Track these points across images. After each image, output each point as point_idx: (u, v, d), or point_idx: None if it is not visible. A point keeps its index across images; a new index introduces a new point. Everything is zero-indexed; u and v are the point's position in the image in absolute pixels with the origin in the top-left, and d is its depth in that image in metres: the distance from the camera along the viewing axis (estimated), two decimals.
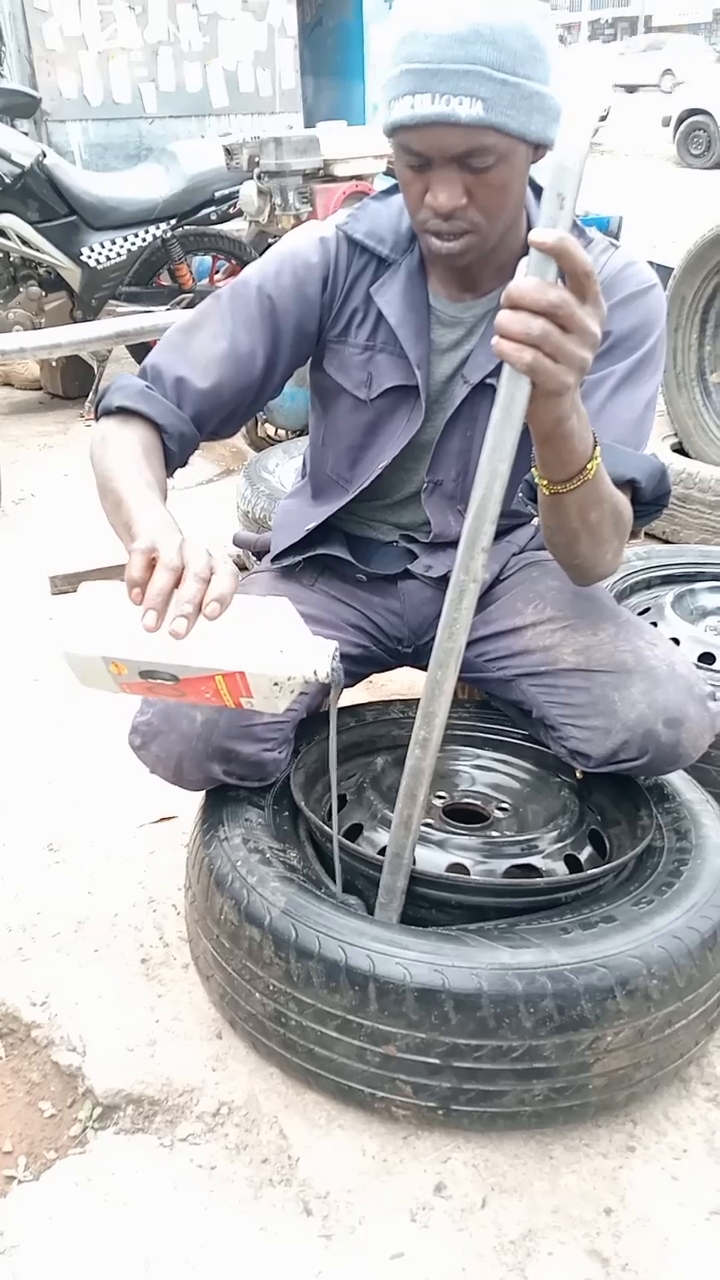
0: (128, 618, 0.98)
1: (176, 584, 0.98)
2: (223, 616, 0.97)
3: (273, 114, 6.73)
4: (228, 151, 3.26)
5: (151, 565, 1.00)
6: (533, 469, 1.17)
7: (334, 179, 3.13)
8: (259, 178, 3.09)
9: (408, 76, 1.13)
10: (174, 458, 1.33)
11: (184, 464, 1.39)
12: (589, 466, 1.12)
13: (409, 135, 1.17)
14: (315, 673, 1.02)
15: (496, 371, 1.33)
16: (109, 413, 1.31)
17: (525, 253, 0.95)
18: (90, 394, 4.11)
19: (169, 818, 1.77)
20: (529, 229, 1.33)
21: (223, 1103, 1.23)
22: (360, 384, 1.42)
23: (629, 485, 1.27)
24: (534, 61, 1.12)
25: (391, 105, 1.17)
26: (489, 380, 1.36)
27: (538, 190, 1.35)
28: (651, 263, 1.43)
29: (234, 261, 4.37)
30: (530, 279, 0.93)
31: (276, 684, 1.01)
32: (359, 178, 3.18)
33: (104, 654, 1.02)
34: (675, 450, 3.05)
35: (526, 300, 0.93)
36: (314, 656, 1.02)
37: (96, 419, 1.33)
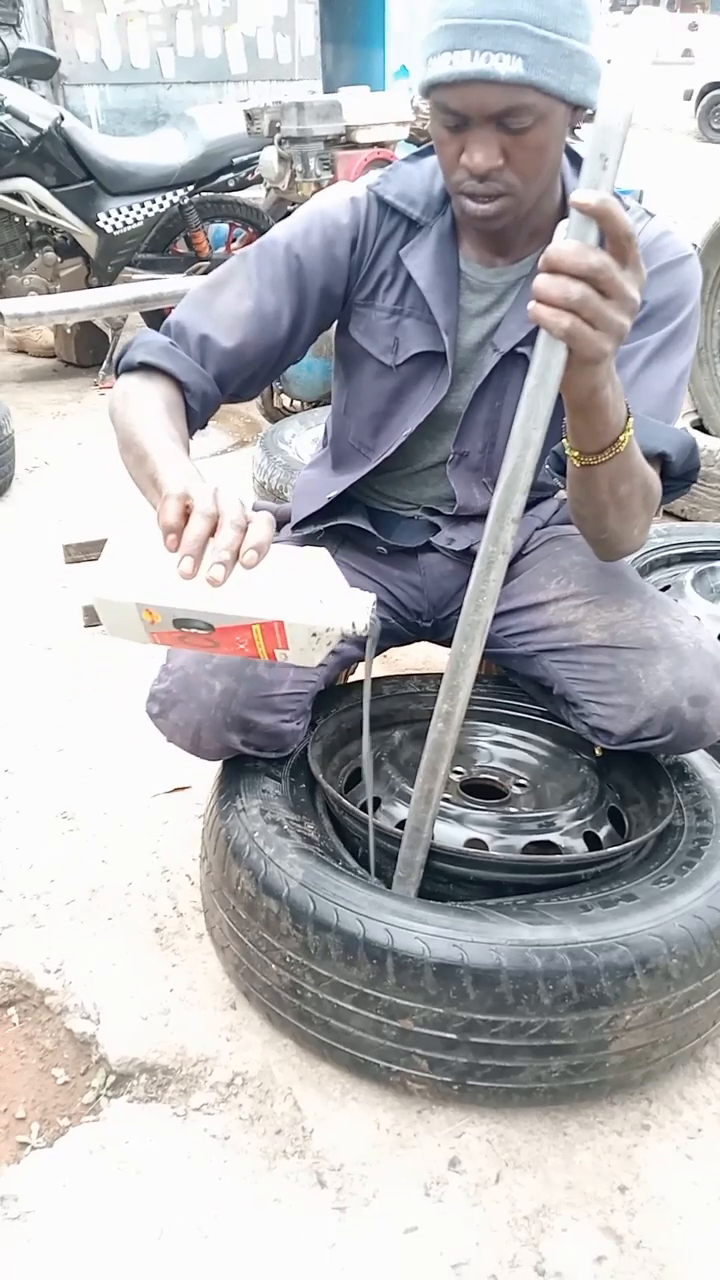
0: (163, 564, 0.96)
1: (212, 532, 0.96)
2: (260, 565, 0.95)
3: (292, 80, 6.65)
4: (249, 116, 3.21)
5: (186, 512, 0.97)
6: (563, 440, 1.15)
7: (356, 145, 3.09)
8: (280, 143, 3.05)
9: (447, 32, 1.10)
10: (195, 417, 1.31)
11: (203, 426, 1.36)
12: (622, 438, 1.10)
13: (446, 93, 1.14)
14: (354, 625, 1.00)
15: (527, 340, 1.31)
16: (130, 369, 1.28)
17: (559, 218, 0.92)
18: (105, 362, 4.08)
19: (183, 788, 1.76)
20: (564, 194, 1.30)
21: (237, 1073, 1.23)
22: (386, 349, 1.40)
23: (659, 459, 1.24)
24: (576, 18, 1.09)
25: (429, 62, 1.14)
26: (520, 349, 1.33)
27: (574, 157, 1.32)
28: None
29: (251, 229, 4.32)
30: (571, 242, 0.91)
31: (315, 635, 0.99)
32: (381, 144, 3.13)
33: (138, 600, 0.99)
34: (695, 427, 3.01)
35: (566, 264, 0.90)
36: (352, 608, 1.00)
37: (117, 375, 1.30)
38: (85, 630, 2.32)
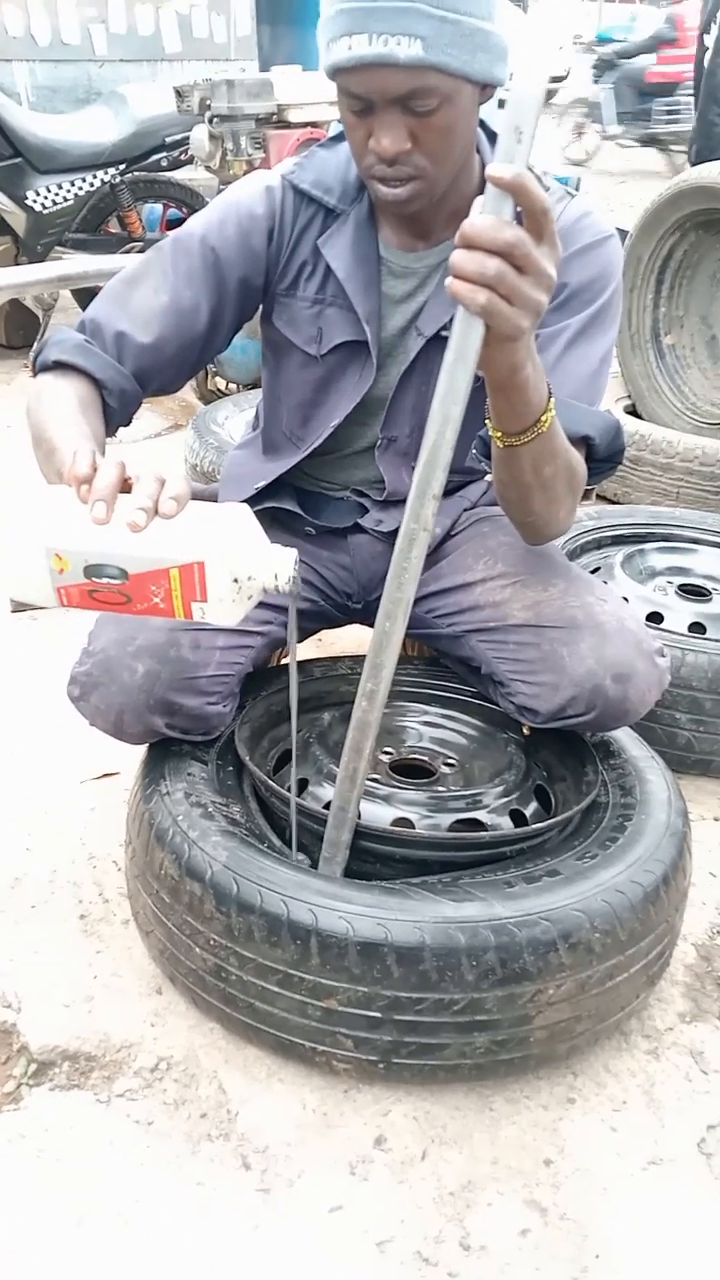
0: (75, 514, 0.93)
1: (125, 488, 0.94)
2: (179, 517, 0.93)
3: (227, 60, 6.57)
4: (178, 93, 3.16)
5: (95, 467, 0.95)
6: (486, 421, 1.15)
7: (288, 125, 3.05)
8: (210, 121, 3.00)
9: (344, 16, 1.09)
10: (115, 414, 1.29)
11: (126, 422, 1.34)
12: (543, 419, 1.10)
13: (348, 78, 1.12)
14: (277, 576, 0.98)
15: (451, 323, 1.30)
16: (46, 368, 1.26)
17: (478, 197, 0.92)
18: (35, 343, 4.00)
19: (111, 774, 1.74)
20: (483, 175, 1.29)
21: (161, 1058, 1.22)
22: (310, 339, 1.38)
23: (583, 442, 1.25)
24: None
25: (330, 48, 1.12)
26: (444, 332, 1.32)
27: (491, 136, 1.31)
28: None
29: (184, 209, 4.26)
30: (486, 217, 0.90)
31: (236, 581, 0.96)
32: (314, 124, 3.10)
33: (49, 544, 0.95)
34: (628, 412, 3.04)
35: (482, 239, 0.90)
36: (276, 560, 0.98)
37: (34, 375, 1.28)
38: (11, 616, 2.28)
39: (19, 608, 2.29)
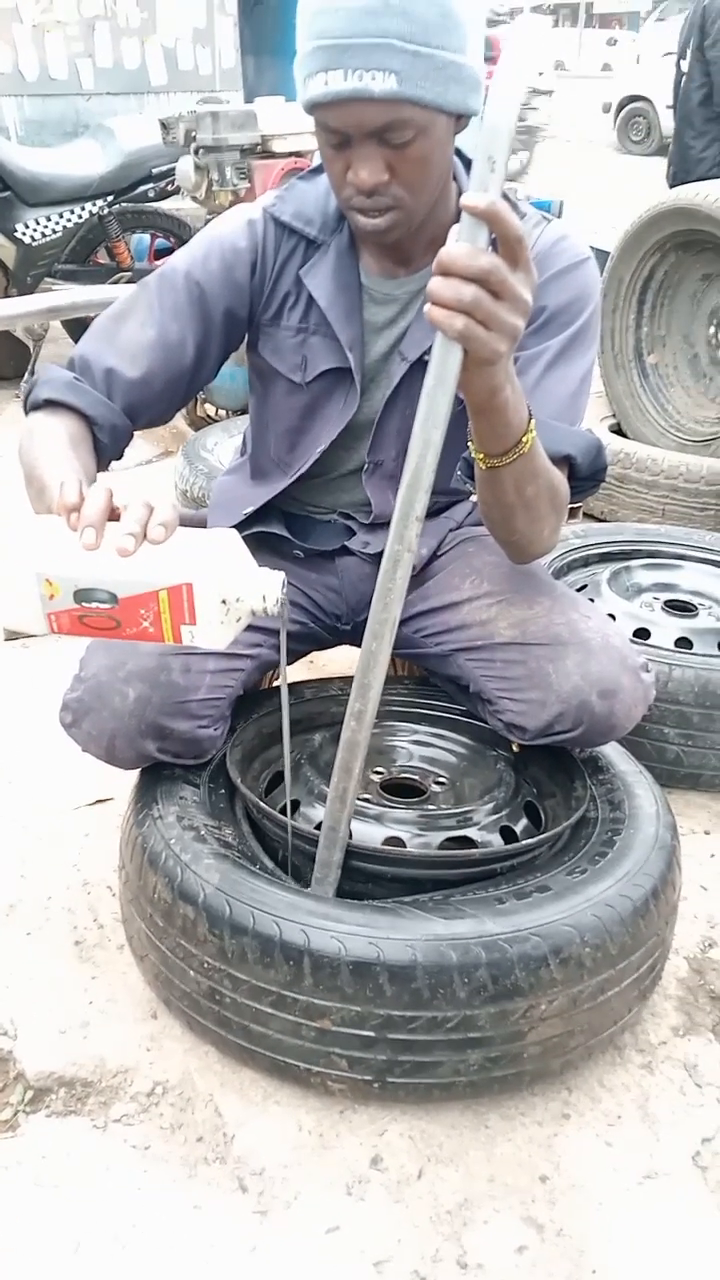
0: (65, 541, 0.95)
1: (113, 516, 0.96)
2: (168, 542, 0.95)
3: (213, 92, 6.64)
4: (164, 125, 3.20)
5: (83, 496, 0.97)
6: (469, 444, 1.17)
7: (272, 155, 3.09)
8: (196, 153, 3.04)
9: (319, 53, 1.11)
10: (106, 450, 1.31)
11: (118, 456, 1.36)
12: (524, 439, 1.12)
13: (325, 112, 1.15)
14: (265, 598, 0.99)
15: None
16: (37, 406, 1.28)
17: (455, 224, 0.94)
18: (26, 375, 4.02)
19: (105, 799, 1.74)
20: (459, 201, 1.32)
21: (157, 1082, 1.22)
22: (295, 367, 1.41)
23: (565, 461, 1.27)
24: (447, 30, 1.10)
25: (306, 83, 1.15)
26: (427, 357, 1.33)
27: (467, 163, 1.34)
28: (593, 248, 1.43)
29: (172, 239, 4.30)
30: (461, 245, 0.92)
31: (224, 603, 0.97)
32: (298, 154, 3.14)
33: (39, 570, 0.96)
34: (613, 431, 3.07)
35: (457, 266, 0.92)
36: (264, 583, 1.00)
37: (26, 413, 1.30)
38: (4, 644, 2.29)
39: (11, 635, 2.30)
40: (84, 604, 0.97)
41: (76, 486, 0.97)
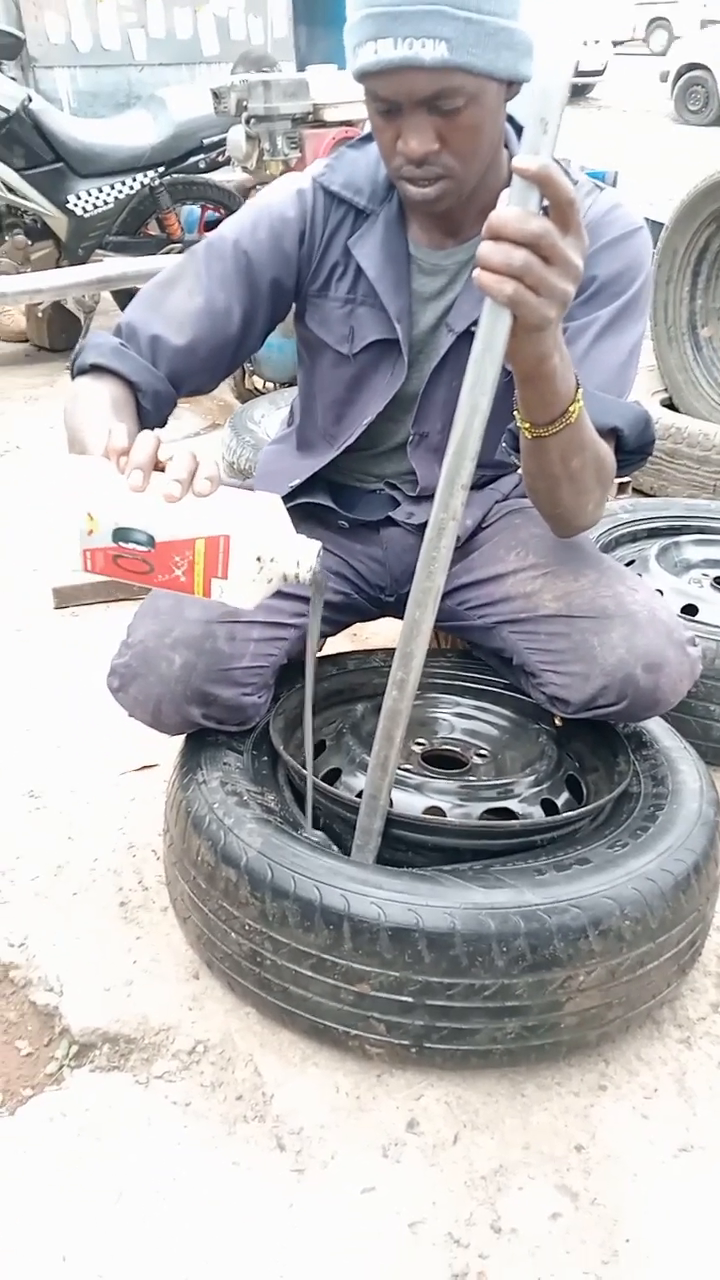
0: (112, 482, 0.97)
1: (158, 468, 0.97)
2: (211, 496, 0.96)
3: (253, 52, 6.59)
4: (215, 95, 3.19)
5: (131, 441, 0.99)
6: (515, 414, 1.16)
7: (323, 124, 3.07)
8: (247, 122, 3.03)
9: (370, 21, 1.10)
10: (149, 416, 1.31)
11: (162, 423, 1.37)
12: (571, 409, 1.11)
13: (375, 81, 1.14)
14: (299, 564, 1.00)
15: None
16: (83, 371, 1.29)
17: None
18: (77, 345, 4.06)
19: (150, 766, 1.77)
20: (510, 170, 1.30)
21: (198, 1041, 1.24)
22: (342, 338, 1.40)
23: (612, 434, 1.25)
24: None
25: (356, 52, 1.14)
26: (474, 328, 1.32)
27: (519, 129, 1.32)
28: (647, 219, 1.40)
29: (222, 210, 4.30)
30: (512, 209, 0.91)
31: (259, 560, 0.98)
32: (349, 123, 3.12)
33: (82, 503, 0.97)
34: (665, 405, 3.02)
35: (508, 230, 0.91)
36: (300, 550, 1.00)
37: (72, 378, 1.31)
38: (55, 612, 2.32)
39: (61, 604, 2.33)
40: (121, 543, 0.98)
41: (125, 432, 0.99)
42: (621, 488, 2.79)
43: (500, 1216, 1.08)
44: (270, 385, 3.32)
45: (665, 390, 3.08)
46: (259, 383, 3.38)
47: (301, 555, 1.00)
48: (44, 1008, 1.30)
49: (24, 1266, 1.01)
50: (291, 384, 3.18)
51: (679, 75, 13.21)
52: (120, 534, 0.98)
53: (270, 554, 0.99)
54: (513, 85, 1.18)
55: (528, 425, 1.14)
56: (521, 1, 1.13)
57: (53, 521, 1.00)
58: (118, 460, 0.98)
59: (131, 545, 0.98)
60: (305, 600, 1.41)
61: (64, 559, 1.01)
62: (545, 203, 0.92)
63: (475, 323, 1.32)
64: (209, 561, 0.98)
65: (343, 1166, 1.11)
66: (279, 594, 1.37)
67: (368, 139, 1.35)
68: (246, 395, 3.38)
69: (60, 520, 0.99)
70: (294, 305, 1.43)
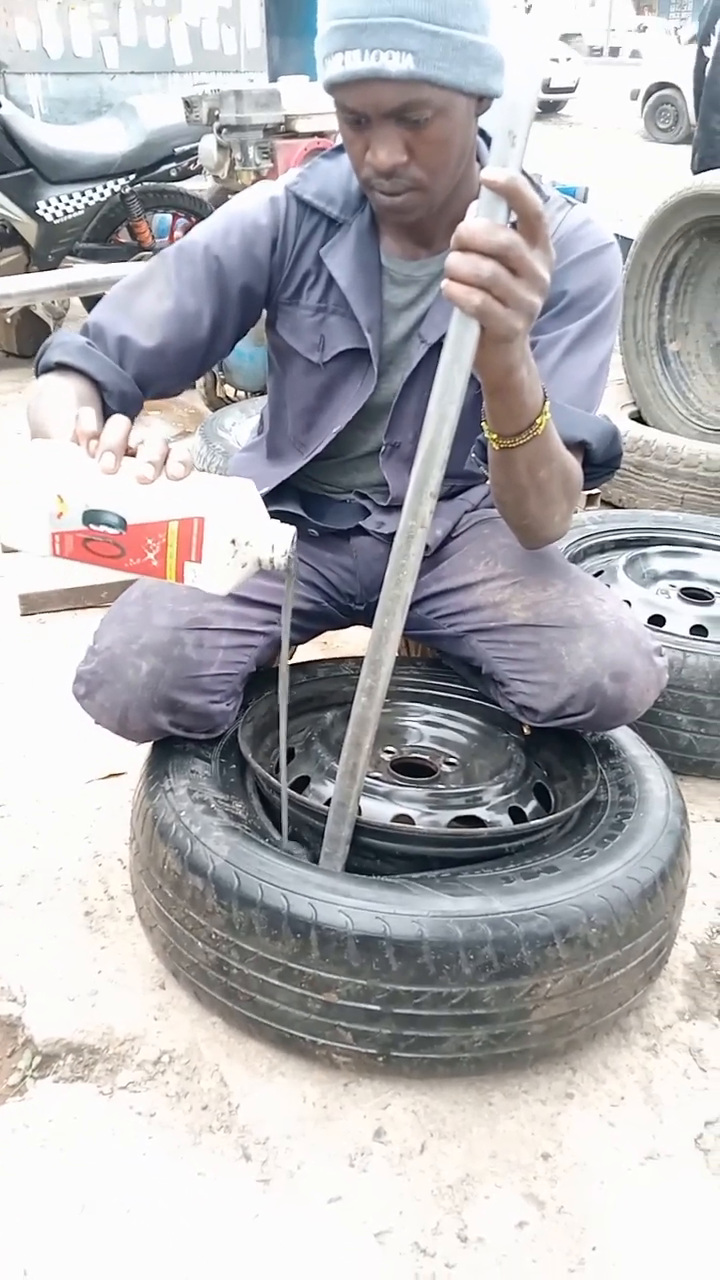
0: (83, 464, 0.96)
1: (129, 453, 0.97)
2: (184, 480, 0.96)
3: (237, 72, 6.63)
4: (187, 104, 3.19)
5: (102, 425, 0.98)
6: (483, 424, 1.16)
7: (295, 134, 3.08)
8: (219, 132, 3.04)
9: (337, 33, 1.11)
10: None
11: None
12: (538, 421, 1.12)
13: (343, 93, 1.15)
14: (274, 548, 0.99)
15: None
16: (48, 369, 1.28)
17: None
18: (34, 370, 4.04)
19: (117, 774, 1.75)
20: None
21: (164, 1051, 1.23)
22: (313, 347, 1.40)
23: (580, 447, 1.26)
24: (467, 10, 1.09)
25: (325, 63, 1.15)
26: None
27: (490, 143, 1.33)
28: (617, 235, 1.42)
29: (194, 219, 4.30)
30: (480, 220, 0.92)
31: (234, 543, 0.97)
32: (321, 134, 3.13)
33: (53, 485, 0.96)
34: (633, 418, 3.05)
35: (476, 242, 0.92)
36: (275, 534, 1.00)
37: (37, 375, 1.30)
38: (21, 618, 2.30)
39: (27, 611, 2.32)
40: (92, 525, 0.96)
41: (94, 416, 0.99)
42: (590, 499, 2.81)
43: (467, 1225, 1.08)
44: (241, 394, 3.32)
45: (634, 404, 3.11)
46: (230, 391, 3.38)
47: (276, 539, 0.99)
48: (6, 1018, 1.29)
49: None
50: (262, 392, 3.18)
51: (649, 94, 13.39)
52: (91, 516, 0.96)
53: (245, 537, 0.98)
54: (483, 100, 1.19)
55: (495, 436, 1.15)
56: (491, 17, 1.14)
57: (18, 505, 0.97)
58: (88, 444, 0.97)
59: (102, 528, 0.96)
60: (275, 608, 1.41)
61: (30, 543, 0.99)
62: (514, 216, 0.93)
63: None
64: (182, 544, 0.96)
65: (309, 1176, 1.11)
66: (248, 601, 1.38)
67: (341, 149, 1.36)
68: (217, 403, 3.37)
69: (27, 503, 0.97)
70: (265, 312, 1.43)
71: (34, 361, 1.32)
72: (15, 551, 2.35)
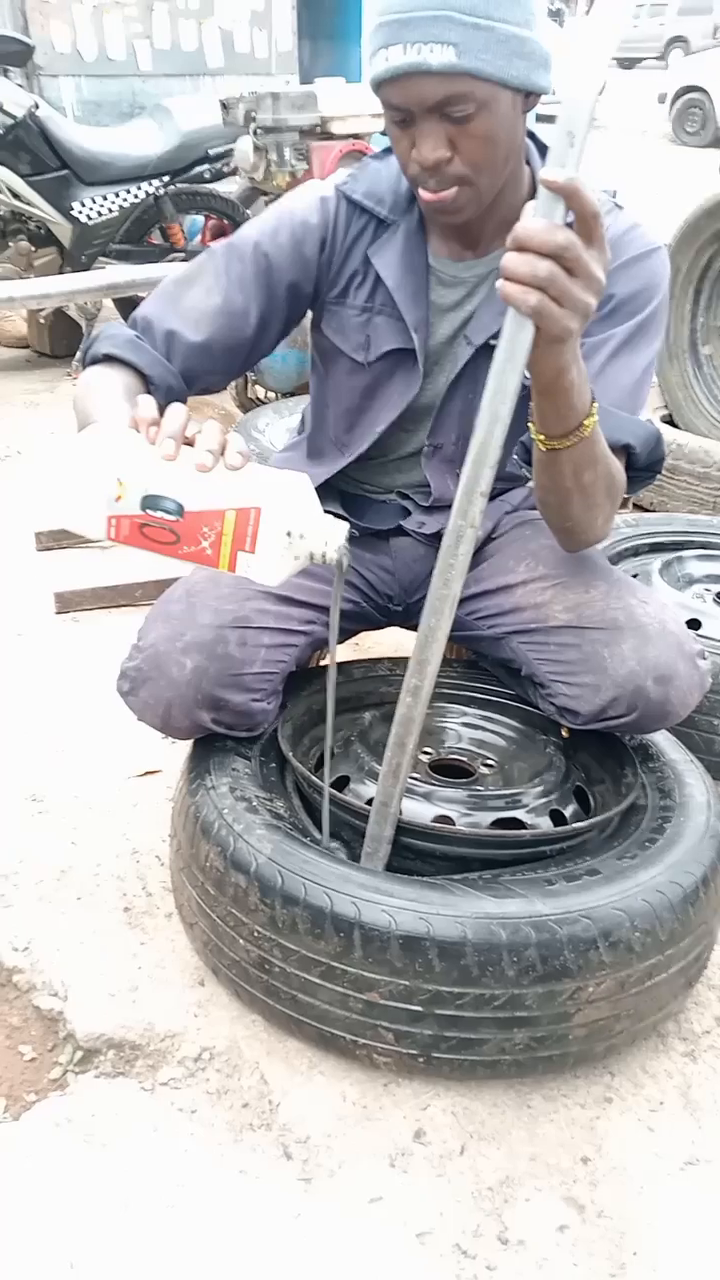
0: (141, 452, 0.97)
1: (188, 441, 0.98)
2: (242, 471, 0.97)
3: (268, 75, 6.65)
4: (224, 106, 3.21)
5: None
6: (529, 425, 1.16)
7: (331, 136, 3.09)
8: (255, 133, 3.04)
9: (382, 30, 1.12)
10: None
11: None
12: (586, 423, 1.11)
13: (388, 89, 1.15)
14: (327, 543, 1.00)
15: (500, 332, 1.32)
16: (95, 361, 1.29)
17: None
18: (78, 352, 4.06)
19: (154, 771, 1.76)
20: (532, 185, 1.31)
21: (204, 1048, 1.24)
22: (358, 346, 1.41)
23: (624, 451, 1.26)
24: (509, 4, 1.10)
25: (371, 62, 1.16)
26: (493, 341, 1.33)
27: (542, 149, 1.33)
28: None
29: (226, 221, 4.31)
30: (538, 220, 0.92)
31: (289, 535, 0.98)
32: (356, 136, 3.13)
33: (113, 469, 0.97)
34: (665, 421, 3.04)
35: (534, 242, 0.92)
36: (328, 529, 1.00)
37: (84, 367, 1.30)
38: (56, 616, 2.32)
39: (63, 609, 2.33)
40: (149, 511, 0.97)
41: (153, 403, 1.00)
42: (622, 503, 2.80)
43: (508, 1228, 1.07)
44: (272, 395, 3.33)
45: (665, 407, 3.10)
46: (260, 392, 3.39)
47: (330, 534, 1.00)
48: (48, 1012, 1.30)
49: (32, 1272, 1.01)
50: (293, 394, 3.19)
51: (677, 97, 13.33)
52: (149, 501, 0.97)
53: (300, 530, 0.98)
54: (530, 97, 1.18)
55: (542, 437, 1.14)
56: (536, 10, 1.13)
57: (77, 486, 0.98)
58: (147, 430, 0.98)
59: (160, 514, 0.97)
60: (315, 608, 1.42)
61: (87, 525, 1.00)
62: (570, 216, 0.93)
63: (494, 336, 1.33)
64: (238, 534, 0.97)
65: (350, 1176, 1.11)
66: (290, 601, 1.39)
67: (391, 151, 1.36)
68: (248, 405, 3.38)
69: (87, 485, 0.98)
70: (310, 312, 1.44)
71: (80, 353, 1.32)
72: (50, 549, 2.37)
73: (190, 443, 0.98)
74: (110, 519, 0.99)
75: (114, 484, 0.97)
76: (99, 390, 1.21)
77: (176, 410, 0.99)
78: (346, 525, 1.01)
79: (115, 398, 1.18)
